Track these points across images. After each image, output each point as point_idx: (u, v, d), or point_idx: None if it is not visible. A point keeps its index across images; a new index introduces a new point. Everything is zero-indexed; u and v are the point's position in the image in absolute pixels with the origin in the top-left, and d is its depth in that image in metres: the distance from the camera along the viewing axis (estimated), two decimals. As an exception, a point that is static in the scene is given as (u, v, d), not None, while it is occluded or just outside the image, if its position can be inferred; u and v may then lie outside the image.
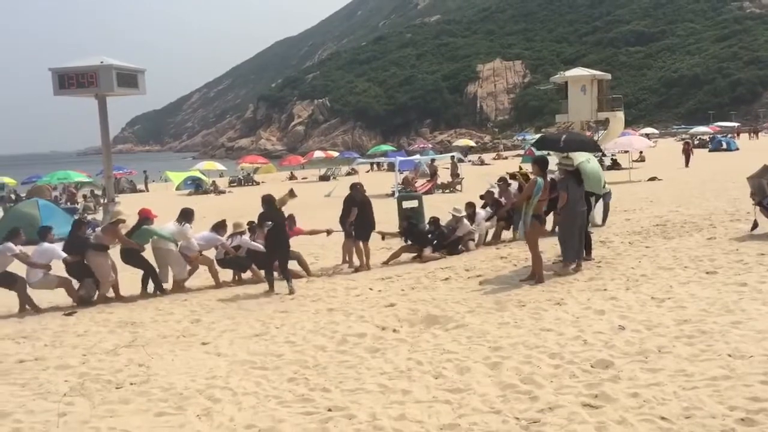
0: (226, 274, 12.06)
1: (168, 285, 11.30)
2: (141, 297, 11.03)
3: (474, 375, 5.93)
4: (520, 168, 33.76)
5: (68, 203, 34.81)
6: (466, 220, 13.50)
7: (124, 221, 11.03)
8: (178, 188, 45.02)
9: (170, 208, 29.16)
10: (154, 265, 11.22)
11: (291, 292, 10.35)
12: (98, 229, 10.78)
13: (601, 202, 14.88)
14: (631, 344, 6.36)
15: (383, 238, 13.53)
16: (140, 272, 11.23)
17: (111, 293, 10.92)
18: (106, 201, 24.34)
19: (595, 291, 8.74)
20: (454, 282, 10.28)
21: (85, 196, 38.04)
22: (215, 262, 11.78)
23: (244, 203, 30.67)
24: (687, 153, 36.97)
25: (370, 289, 10.27)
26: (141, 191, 47.61)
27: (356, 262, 12.43)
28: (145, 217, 11.23)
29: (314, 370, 6.46)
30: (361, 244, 12.36)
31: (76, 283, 10.79)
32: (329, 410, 5.38)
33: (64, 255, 10.52)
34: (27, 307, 10.44)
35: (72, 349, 7.85)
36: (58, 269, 10.88)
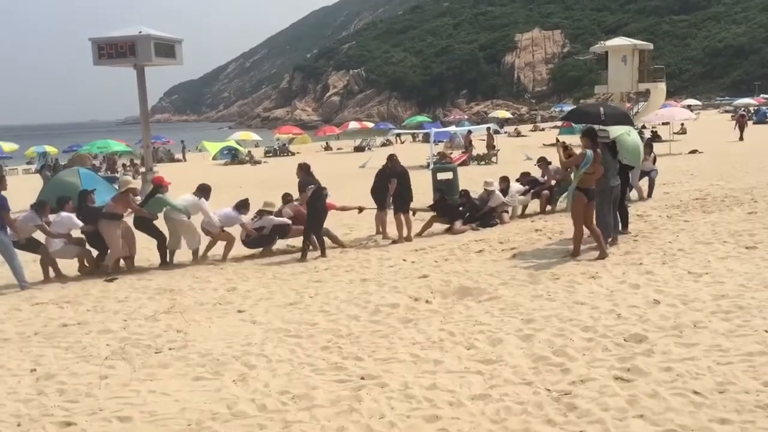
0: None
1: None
2: (160, 267, 11.10)
3: (506, 347, 5.95)
4: (557, 140, 33.42)
5: (108, 172, 35.44)
6: (498, 192, 13.44)
7: (134, 190, 11.08)
8: (214, 158, 45.44)
9: (206, 178, 29.51)
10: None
11: (321, 256, 11.02)
12: (109, 199, 10.87)
13: (646, 178, 14.74)
14: (666, 319, 6.31)
15: (414, 215, 13.45)
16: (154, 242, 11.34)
17: (122, 264, 11.01)
18: (144, 170, 24.75)
19: (630, 265, 8.67)
20: (488, 254, 10.27)
21: (124, 165, 38.68)
22: (242, 243, 11.77)
23: (280, 173, 30.88)
24: (741, 125, 35.07)
25: (404, 260, 10.32)
26: (178, 161, 48.21)
27: (392, 234, 12.35)
28: (158, 185, 11.42)
29: (347, 339, 6.55)
30: (402, 216, 12.24)
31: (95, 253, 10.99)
32: (362, 378, 5.46)
33: (81, 224, 10.72)
34: (51, 273, 10.68)
35: (113, 315, 8.07)
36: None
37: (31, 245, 10.58)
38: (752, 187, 14.87)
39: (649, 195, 14.81)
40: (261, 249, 11.89)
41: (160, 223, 11.33)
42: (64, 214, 10.68)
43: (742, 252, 8.84)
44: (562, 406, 4.68)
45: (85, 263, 10.96)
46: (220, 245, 11.62)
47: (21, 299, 9.21)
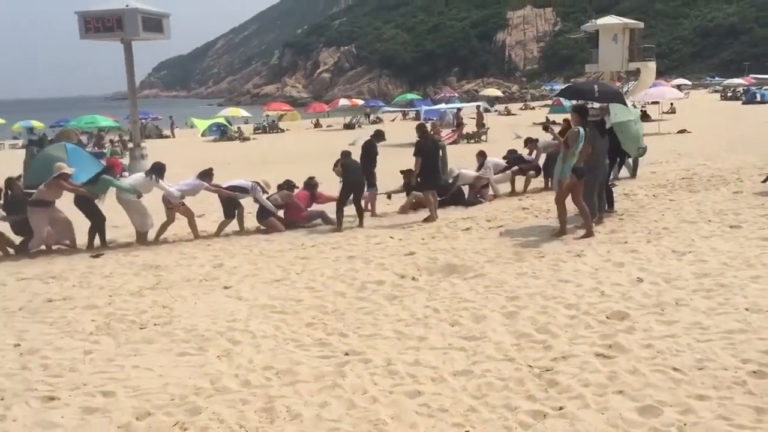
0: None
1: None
2: (87, 249, 10.80)
3: (490, 323, 6.00)
4: (547, 119, 33.38)
5: (95, 147, 35.14)
6: (464, 171, 13.37)
7: (67, 175, 10.77)
8: (203, 134, 45.14)
9: (196, 155, 29.40)
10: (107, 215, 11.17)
11: (359, 226, 11.39)
12: (42, 186, 10.69)
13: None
14: (649, 296, 6.38)
15: (389, 197, 13.33)
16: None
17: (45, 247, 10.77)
18: (132, 146, 24.56)
19: (615, 243, 8.72)
20: (475, 232, 10.30)
21: (112, 141, 38.36)
22: (257, 218, 11.74)
23: (269, 150, 30.81)
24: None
25: (391, 237, 10.33)
26: (167, 137, 47.83)
27: (380, 212, 12.32)
28: (107, 167, 11.58)
29: (333, 316, 6.58)
30: (430, 195, 11.78)
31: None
32: (346, 354, 5.49)
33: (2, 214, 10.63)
34: None
35: (99, 290, 8.05)
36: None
37: None
38: (739, 167, 14.95)
39: (633, 174, 14.82)
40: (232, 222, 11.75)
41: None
42: None
43: (726, 231, 8.92)
44: (544, 382, 4.73)
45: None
46: (174, 228, 11.48)
47: (6, 274, 9.17)
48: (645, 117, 35.33)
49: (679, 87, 57.54)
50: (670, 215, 10.28)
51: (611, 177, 11.47)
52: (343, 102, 63.24)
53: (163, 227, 11.32)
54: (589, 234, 9.22)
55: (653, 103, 36.31)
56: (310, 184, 12.32)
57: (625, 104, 11.42)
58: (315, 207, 12.20)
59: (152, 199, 11.35)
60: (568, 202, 9.39)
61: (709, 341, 5.18)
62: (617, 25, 38.58)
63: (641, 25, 41.53)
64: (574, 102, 13.73)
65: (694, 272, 7.08)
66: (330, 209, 11.91)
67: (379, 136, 12.91)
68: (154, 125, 50.79)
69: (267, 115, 54.54)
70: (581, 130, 9.23)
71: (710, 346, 5.08)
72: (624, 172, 14.67)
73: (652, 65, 39.26)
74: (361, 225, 11.43)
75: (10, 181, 11.06)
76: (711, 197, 11.52)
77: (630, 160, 14.52)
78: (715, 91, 69.34)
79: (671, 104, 38.71)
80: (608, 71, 38.95)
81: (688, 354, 4.98)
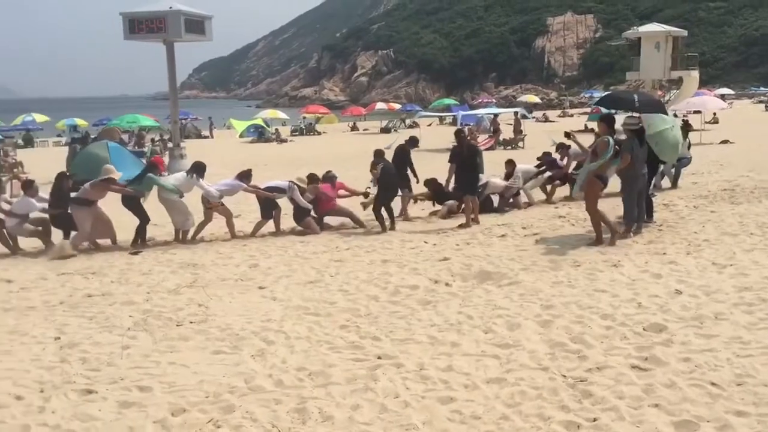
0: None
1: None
2: (131, 246, 10.94)
3: (524, 332, 5.95)
4: (586, 126, 33.01)
5: (136, 147, 35.75)
6: (492, 180, 13.27)
7: (114, 180, 11.00)
8: (241, 136, 45.59)
9: (234, 155, 29.70)
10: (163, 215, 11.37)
11: (391, 228, 11.42)
12: (87, 185, 10.94)
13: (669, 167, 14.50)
14: (687, 309, 6.27)
15: (415, 202, 13.34)
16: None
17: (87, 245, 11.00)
18: (172, 146, 24.93)
19: (653, 254, 8.59)
20: (510, 239, 10.23)
21: (153, 140, 38.97)
22: (293, 217, 11.82)
23: (306, 152, 31.00)
24: None
25: (425, 242, 10.32)
26: (206, 137, 48.44)
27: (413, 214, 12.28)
28: (152, 165, 11.75)
29: (366, 319, 6.59)
30: (470, 200, 11.72)
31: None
32: (378, 358, 5.50)
33: (41, 206, 10.92)
34: (8, 247, 10.95)
35: (137, 287, 8.20)
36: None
37: None
38: (783, 180, 14.62)
39: (674, 185, 14.58)
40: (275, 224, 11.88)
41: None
42: (26, 197, 10.94)
43: (768, 245, 8.72)
44: (578, 392, 4.68)
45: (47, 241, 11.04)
46: (211, 227, 11.62)
47: (47, 269, 9.38)
48: (687, 127, 34.87)
49: (722, 97, 56.47)
50: (711, 227, 10.09)
51: (651, 187, 11.29)
52: (380, 106, 63.32)
53: (201, 226, 11.45)
54: (598, 242, 9.27)
55: (695, 112, 35.65)
56: (328, 176, 12.39)
57: (666, 114, 11.20)
58: (342, 203, 12.34)
59: (192, 198, 11.50)
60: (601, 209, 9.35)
61: (749, 356, 5.07)
62: (660, 33, 38.02)
63: (685, 33, 40.86)
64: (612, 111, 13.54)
65: (735, 286, 6.93)
66: (357, 210, 12.06)
67: (413, 141, 12.89)
68: (194, 125, 51.47)
69: (304, 118, 54.94)
70: (611, 139, 9.17)
71: (750, 361, 4.97)
72: (666, 182, 14.45)
73: (695, 74, 38.60)
74: (393, 228, 11.45)
75: (61, 176, 11.42)
76: (754, 209, 11.28)
77: (672, 170, 14.31)
78: (760, 102, 67.83)
79: (714, 114, 37.99)
80: (650, 79, 38.39)
81: (727, 369, 4.88)
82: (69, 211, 10.81)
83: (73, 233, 10.87)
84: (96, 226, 10.93)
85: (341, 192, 12.61)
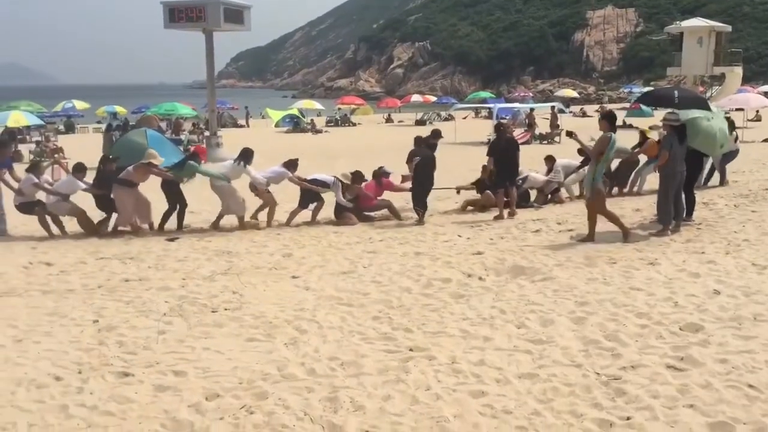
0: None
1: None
2: (157, 232, 11.28)
3: (557, 328, 5.91)
4: (624, 122, 32.49)
5: (173, 134, 36.21)
6: (533, 174, 13.17)
7: (156, 165, 11.19)
8: (277, 125, 45.89)
9: (269, 145, 29.95)
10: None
11: (419, 223, 11.44)
12: (130, 168, 11.16)
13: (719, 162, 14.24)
14: (725, 310, 6.15)
15: (458, 192, 13.34)
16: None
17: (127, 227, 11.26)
18: (209, 134, 25.21)
19: (691, 253, 8.45)
20: (545, 234, 10.15)
21: (195, 125, 39.43)
22: (334, 212, 11.95)
23: (340, 143, 31.09)
24: None
25: (459, 235, 10.29)
26: (242, 126, 48.85)
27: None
28: (194, 153, 11.96)
29: (398, 311, 6.60)
30: (504, 193, 11.79)
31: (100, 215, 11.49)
32: (410, 350, 5.51)
33: (84, 186, 11.19)
34: (55, 230, 11.18)
35: (173, 273, 8.32)
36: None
37: (28, 208, 11.11)
38: (828, 180, 14.26)
39: (722, 182, 14.35)
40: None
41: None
42: (70, 177, 11.25)
43: (811, 246, 8.52)
44: (611, 390, 4.64)
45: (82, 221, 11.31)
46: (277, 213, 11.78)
47: (87, 253, 9.58)
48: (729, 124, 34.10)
49: (765, 94, 55.15)
50: (751, 227, 9.88)
51: (696, 184, 11.08)
52: (415, 98, 63.06)
53: (271, 212, 11.68)
54: (589, 238, 9.27)
55: (738, 109, 34.90)
56: (379, 173, 12.43)
57: (708, 110, 10.92)
58: (385, 196, 12.32)
59: (238, 185, 11.66)
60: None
61: (789, 360, 4.96)
62: (703, 28, 37.35)
63: (728, 28, 40.09)
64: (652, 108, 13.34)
65: (776, 287, 6.79)
66: (397, 200, 11.98)
67: (435, 135, 12.75)
68: (230, 114, 51.96)
69: (339, 109, 55.08)
70: (612, 135, 9.09)
71: (790, 365, 4.87)
72: (715, 179, 14.27)
73: (739, 70, 37.87)
74: (421, 222, 11.45)
75: (105, 159, 11.90)
76: (796, 210, 11.02)
77: (717, 167, 14.14)
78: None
79: (757, 112, 37.12)
80: (691, 75, 37.78)
81: (766, 371, 4.79)
82: (111, 195, 11.07)
83: (114, 215, 11.22)
84: (137, 208, 11.19)
85: (392, 188, 12.55)
